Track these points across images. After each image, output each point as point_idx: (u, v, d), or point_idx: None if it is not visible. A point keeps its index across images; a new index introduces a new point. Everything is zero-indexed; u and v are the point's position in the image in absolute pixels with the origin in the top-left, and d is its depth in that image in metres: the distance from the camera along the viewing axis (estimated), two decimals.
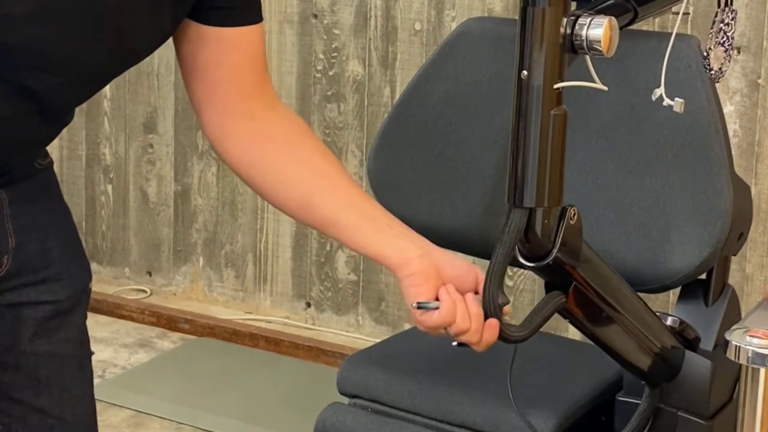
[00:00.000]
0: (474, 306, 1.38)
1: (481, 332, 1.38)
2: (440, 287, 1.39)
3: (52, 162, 1.50)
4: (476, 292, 1.40)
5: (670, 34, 1.52)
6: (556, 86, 1.33)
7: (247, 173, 1.48)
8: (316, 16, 3.34)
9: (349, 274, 3.40)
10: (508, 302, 1.40)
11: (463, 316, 1.37)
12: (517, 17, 1.34)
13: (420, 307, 1.38)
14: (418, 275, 1.39)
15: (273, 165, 1.47)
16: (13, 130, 1.34)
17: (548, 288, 1.47)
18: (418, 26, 3.20)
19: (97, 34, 1.30)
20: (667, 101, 1.43)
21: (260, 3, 1.46)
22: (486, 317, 1.38)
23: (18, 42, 1.26)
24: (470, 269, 1.42)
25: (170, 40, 1.43)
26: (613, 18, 1.33)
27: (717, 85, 1.77)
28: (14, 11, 1.24)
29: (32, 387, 1.46)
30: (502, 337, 1.40)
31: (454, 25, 3.03)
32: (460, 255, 1.66)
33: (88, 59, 1.32)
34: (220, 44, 1.43)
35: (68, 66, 1.31)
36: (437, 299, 1.38)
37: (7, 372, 1.45)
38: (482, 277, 1.40)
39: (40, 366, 1.46)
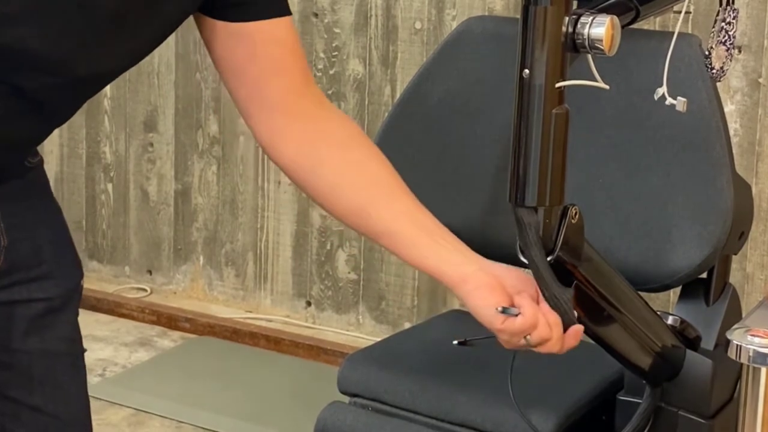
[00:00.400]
0: (551, 315, 1.38)
1: (563, 340, 1.38)
2: (514, 296, 1.38)
3: (41, 160, 1.49)
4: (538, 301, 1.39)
5: (672, 33, 1.52)
6: (557, 85, 1.33)
7: (300, 177, 1.44)
8: (316, 15, 3.33)
9: (349, 273, 3.40)
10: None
11: (544, 324, 1.36)
12: (517, 16, 1.34)
13: (503, 311, 1.37)
14: (483, 288, 1.38)
15: (329, 168, 1.43)
16: (10, 130, 1.34)
17: None
18: (418, 25, 3.19)
19: (95, 35, 1.30)
20: (669, 100, 1.42)
21: None
22: (564, 324, 1.38)
23: (16, 42, 1.26)
24: (527, 278, 1.41)
25: (169, 39, 1.42)
26: (615, 17, 1.33)
27: (718, 84, 1.76)
28: (13, 11, 1.24)
29: (26, 385, 1.46)
30: None
31: (454, 24, 3.03)
32: None
33: (87, 60, 1.31)
34: (250, 39, 1.39)
35: (67, 67, 1.31)
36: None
37: (0, 370, 1.45)
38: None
39: (33, 364, 1.46)
